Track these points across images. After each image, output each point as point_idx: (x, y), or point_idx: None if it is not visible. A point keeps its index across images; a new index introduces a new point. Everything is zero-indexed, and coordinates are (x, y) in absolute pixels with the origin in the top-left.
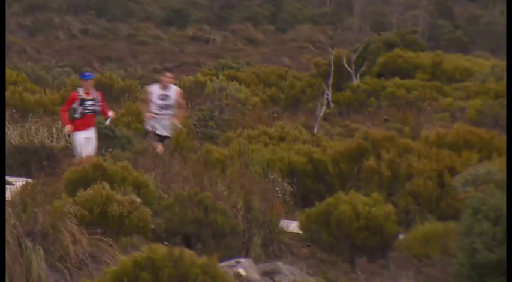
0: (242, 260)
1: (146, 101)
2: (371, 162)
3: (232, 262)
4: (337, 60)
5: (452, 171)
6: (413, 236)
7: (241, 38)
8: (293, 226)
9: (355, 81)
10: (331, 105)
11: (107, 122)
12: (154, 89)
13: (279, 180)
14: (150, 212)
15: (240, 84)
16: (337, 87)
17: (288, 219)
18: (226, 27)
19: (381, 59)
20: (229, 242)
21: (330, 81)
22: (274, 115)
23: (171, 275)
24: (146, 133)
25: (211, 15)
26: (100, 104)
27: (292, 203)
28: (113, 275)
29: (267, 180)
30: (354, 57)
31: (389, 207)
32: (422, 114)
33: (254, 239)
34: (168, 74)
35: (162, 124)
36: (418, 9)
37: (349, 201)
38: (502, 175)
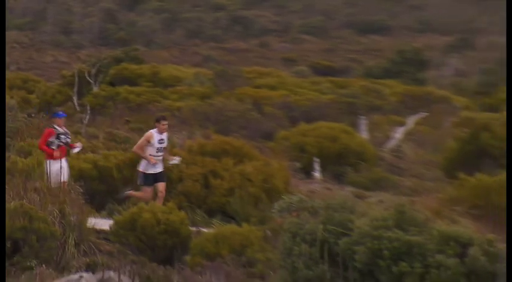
0: (84, 274)
1: (143, 146)
2: None
3: (76, 276)
4: (80, 72)
5: (215, 174)
6: (205, 237)
7: None
8: (101, 223)
9: (95, 89)
10: (78, 108)
11: (75, 151)
12: (155, 135)
13: (72, 183)
14: None
15: None
16: (81, 94)
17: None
18: None
19: (112, 71)
20: (50, 244)
21: (75, 89)
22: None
23: None
24: (143, 177)
25: None
26: (70, 137)
27: (84, 202)
28: None
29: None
30: (93, 70)
31: (182, 214)
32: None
33: (69, 241)
34: (165, 122)
35: (158, 164)
36: (92, 16)
37: (151, 210)
38: (312, 202)
